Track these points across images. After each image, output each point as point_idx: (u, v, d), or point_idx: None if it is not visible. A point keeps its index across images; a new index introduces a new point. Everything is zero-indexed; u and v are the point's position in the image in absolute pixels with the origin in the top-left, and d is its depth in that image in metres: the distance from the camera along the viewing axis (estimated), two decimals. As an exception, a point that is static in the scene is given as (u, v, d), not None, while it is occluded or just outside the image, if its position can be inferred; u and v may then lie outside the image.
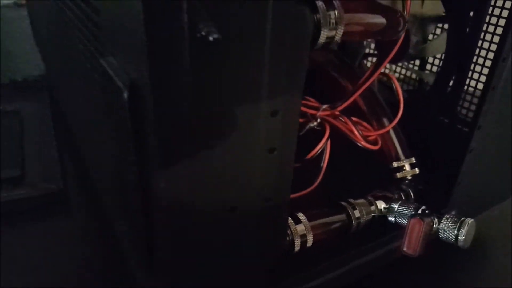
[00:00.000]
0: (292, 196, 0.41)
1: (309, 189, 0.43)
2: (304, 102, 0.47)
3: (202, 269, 0.26)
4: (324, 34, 0.24)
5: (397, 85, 0.43)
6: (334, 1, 0.24)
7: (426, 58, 0.57)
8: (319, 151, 0.45)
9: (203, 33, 0.18)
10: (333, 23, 0.24)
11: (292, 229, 0.33)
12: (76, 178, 0.56)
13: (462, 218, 0.35)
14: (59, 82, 0.63)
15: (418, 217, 0.35)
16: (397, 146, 0.45)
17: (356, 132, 0.43)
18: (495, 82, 0.36)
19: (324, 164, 0.44)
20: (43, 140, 0.61)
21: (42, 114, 0.67)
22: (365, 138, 0.44)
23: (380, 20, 0.29)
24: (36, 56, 0.86)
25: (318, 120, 0.46)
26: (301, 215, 0.35)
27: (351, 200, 0.39)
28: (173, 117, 0.20)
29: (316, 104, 0.47)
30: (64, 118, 0.65)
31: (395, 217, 0.39)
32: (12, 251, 0.47)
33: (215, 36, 0.18)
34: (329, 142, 0.45)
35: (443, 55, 0.53)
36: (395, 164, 0.45)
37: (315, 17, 0.23)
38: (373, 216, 0.39)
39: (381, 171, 0.47)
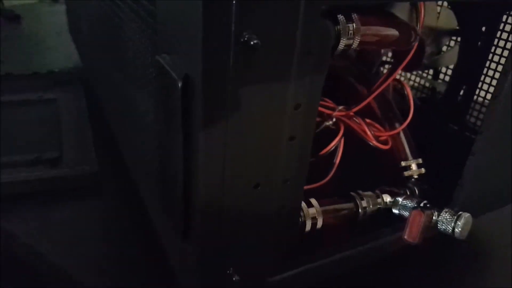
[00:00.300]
0: (307, 187, 0.46)
1: (322, 182, 0.48)
2: (321, 103, 0.51)
3: (228, 239, 0.31)
4: (343, 43, 0.28)
5: (408, 91, 0.47)
6: (353, 15, 0.29)
7: (439, 68, 0.60)
8: (332, 148, 0.49)
9: (246, 39, 0.22)
10: (351, 33, 0.28)
11: (304, 212, 0.37)
12: (110, 161, 0.61)
13: (460, 213, 0.39)
14: (95, 73, 0.69)
15: (419, 209, 0.39)
16: (406, 147, 0.49)
17: (368, 132, 0.48)
18: (497, 92, 0.39)
19: (337, 160, 0.48)
20: (79, 126, 0.66)
21: (77, 102, 0.72)
22: (377, 138, 0.48)
23: (393, 32, 0.33)
24: (72, 49, 0.92)
25: (334, 120, 0.50)
26: (313, 200, 0.39)
27: (360, 192, 0.43)
28: (216, 105, 0.25)
29: (332, 105, 0.51)
30: (98, 106, 0.70)
31: (399, 210, 0.43)
32: (48, 226, 0.52)
33: (255, 41, 0.22)
34: (342, 140, 0.49)
35: (454, 66, 0.57)
36: (403, 163, 0.49)
37: (336, 28, 0.28)
38: (379, 207, 0.43)
39: (390, 170, 0.51)
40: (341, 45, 0.28)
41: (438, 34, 0.55)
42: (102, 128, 0.66)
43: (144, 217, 0.48)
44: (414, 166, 0.48)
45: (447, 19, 0.53)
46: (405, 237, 0.40)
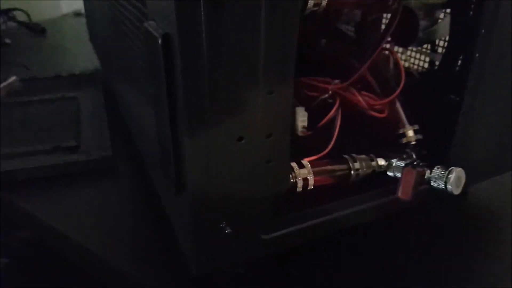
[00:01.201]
0: (307, 159, 0.48)
1: (322, 154, 0.49)
2: (317, 78, 0.53)
3: (218, 193, 0.33)
4: (311, 1, 0.30)
5: (397, 58, 0.49)
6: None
7: (436, 41, 0.61)
8: (330, 120, 0.51)
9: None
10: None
11: (296, 172, 0.39)
12: (124, 148, 0.65)
13: (451, 168, 0.40)
14: (111, 73, 0.74)
15: (411, 167, 0.40)
16: (402, 114, 0.50)
17: (362, 102, 0.49)
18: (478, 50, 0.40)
19: (336, 131, 0.50)
20: (96, 119, 0.71)
21: (96, 99, 0.77)
22: (372, 107, 0.50)
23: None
24: (92, 55, 0.98)
25: (330, 93, 0.52)
26: (305, 161, 0.41)
27: (354, 155, 0.44)
28: (193, 58, 0.27)
29: (328, 80, 0.53)
30: (114, 102, 0.75)
31: (393, 172, 0.44)
32: (68, 207, 0.56)
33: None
34: (340, 112, 0.51)
35: (449, 38, 0.57)
36: (400, 131, 0.50)
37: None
38: (373, 170, 0.44)
39: (389, 138, 0.52)
40: (310, 3, 0.30)
41: (430, 7, 0.56)
42: (118, 121, 0.71)
43: (155, 197, 0.51)
44: (411, 133, 0.49)
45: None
46: (399, 194, 0.41)
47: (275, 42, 0.29)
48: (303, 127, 0.52)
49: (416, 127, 0.50)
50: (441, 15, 0.57)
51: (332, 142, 0.50)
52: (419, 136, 0.49)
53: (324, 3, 0.31)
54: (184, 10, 0.26)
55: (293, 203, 0.40)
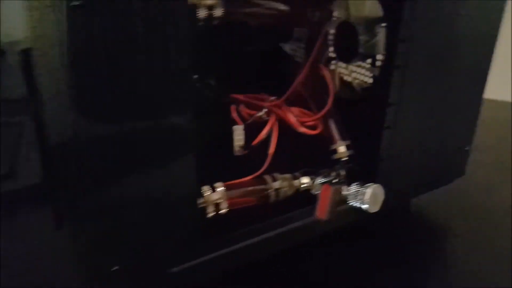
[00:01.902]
0: (240, 180, 0.47)
1: (257, 173, 0.48)
2: (254, 95, 0.53)
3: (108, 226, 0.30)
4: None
5: (326, 74, 0.48)
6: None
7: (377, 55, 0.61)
8: (264, 138, 0.50)
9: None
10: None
11: (205, 196, 0.38)
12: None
13: (368, 184, 0.39)
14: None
15: (327, 184, 0.39)
16: (334, 130, 0.50)
17: (291, 119, 0.48)
18: (398, 61, 0.40)
19: (271, 150, 0.49)
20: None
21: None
22: (302, 124, 0.49)
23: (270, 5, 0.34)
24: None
25: (265, 110, 0.51)
26: (218, 184, 0.40)
27: (275, 174, 0.44)
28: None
29: (265, 97, 0.53)
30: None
31: (317, 190, 0.43)
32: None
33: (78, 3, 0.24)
34: (276, 130, 0.50)
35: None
36: (332, 147, 0.49)
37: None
38: (297, 189, 0.43)
39: (323, 154, 0.51)
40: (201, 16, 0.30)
41: (369, 23, 0.56)
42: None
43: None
44: (342, 148, 0.49)
45: (374, 6, 0.54)
46: (316, 214, 0.40)
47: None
48: (240, 146, 0.52)
49: (348, 142, 0.49)
50: (380, 30, 0.57)
51: (267, 162, 0.49)
52: (351, 152, 0.48)
53: (219, 13, 0.31)
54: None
55: (207, 229, 0.37)
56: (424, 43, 0.41)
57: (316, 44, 0.47)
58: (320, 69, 0.49)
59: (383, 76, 0.47)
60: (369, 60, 0.64)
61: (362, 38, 0.56)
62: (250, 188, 0.41)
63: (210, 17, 0.31)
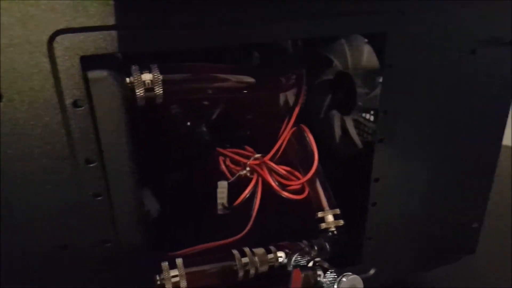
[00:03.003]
0: (221, 242, 0.43)
1: (237, 237, 0.45)
2: (237, 150, 0.49)
3: None
4: (140, 93, 0.27)
5: (309, 136, 0.44)
6: (151, 65, 0.28)
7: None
8: (245, 198, 0.46)
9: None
10: (148, 83, 0.27)
11: (164, 274, 0.34)
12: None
13: (344, 273, 0.34)
14: None
15: (299, 269, 0.35)
16: (321, 195, 0.45)
17: (272, 182, 0.44)
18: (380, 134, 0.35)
19: (254, 212, 0.46)
20: None
21: None
22: (284, 187, 0.45)
23: (223, 78, 0.31)
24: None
25: (247, 169, 0.48)
26: (179, 260, 0.36)
27: (246, 249, 0.39)
28: None
29: (249, 154, 0.49)
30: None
31: (292, 268, 0.38)
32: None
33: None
34: (259, 190, 0.47)
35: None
36: (319, 214, 0.45)
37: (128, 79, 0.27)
38: (271, 265, 0.39)
39: (309, 221, 0.46)
40: (139, 98, 0.27)
41: (367, 74, 0.51)
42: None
43: None
44: (330, 218, 0.44)
45: (371, 56, 0.50)
46: (286, 299, 0.35)
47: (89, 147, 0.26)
48: (222, 204, 0.48)
49: (337, 211, 0.44)
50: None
51: (250, 225, 0.45)
52: (340, 222, 0.44)
53: (159, 97, 0.28)
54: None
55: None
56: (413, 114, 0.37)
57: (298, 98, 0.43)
58: (303, 130, 0.45)
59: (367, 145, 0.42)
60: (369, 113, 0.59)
61: (361, 90, 0.52)
62: (215, 264, 0.37)
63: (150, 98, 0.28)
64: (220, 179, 0.49)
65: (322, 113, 0.57)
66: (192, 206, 0.52)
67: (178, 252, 0.41)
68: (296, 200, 0.46)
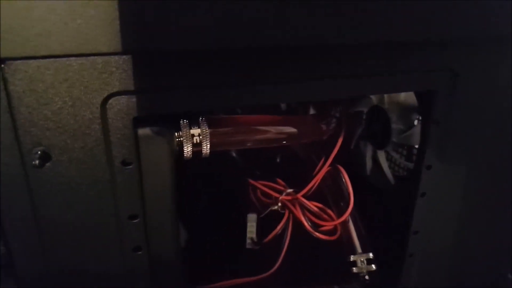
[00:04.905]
0: (249, 279, 0.43)
1: (265, 274, 0.44)
2: (270, 184, 0.49)
3: None
4: (188, 149, 0.27)
5: (345, 178, 0.43)
6: (200, 118, 0.27)
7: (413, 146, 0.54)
8: (277, 235, 0.46)
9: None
10: (196, 140, 0.27)
11: None
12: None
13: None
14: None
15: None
16: (354, 237, 0.44)
17: (304, 222, 0.43)
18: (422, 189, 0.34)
19: (284, 249, 0.45)
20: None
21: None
22: (317, 227, 0.44)
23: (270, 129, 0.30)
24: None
25: (279, 204, 0.47)
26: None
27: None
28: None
29: (281, 188, 0.48)
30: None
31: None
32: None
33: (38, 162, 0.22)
34: (290, 226, 0.46)
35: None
36: (351, 257, 0.43)
37: (176, 134, 0.26)
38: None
39: (341, 262, 0.45)
40: (187, 153, 0.27)
41: (404, 110, 0.50)
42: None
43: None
44: (363, 262, 0.43)
45: (409, 93, 0.48)
46: None
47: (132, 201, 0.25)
48: (251, 239, 0.48)
49: (370, 255, 0.43)
50: (416, 122, 0.51)
51: (279, 263, 0.44)
52: (372, 267, 0.42)
53: (205, 151, 0.27)
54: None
55: None
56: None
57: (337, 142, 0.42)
58: (339, 170, 0.44)
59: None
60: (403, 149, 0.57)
61: (396, 127, 0.50)
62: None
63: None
64: (249, 211, 0.49)
65: (353, 142, 0.56)
66: (220, 237, 0.52)
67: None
68: (327, 240, 0.45)
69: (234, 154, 0.54)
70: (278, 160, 0.57)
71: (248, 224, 0.48)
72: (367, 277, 0.42)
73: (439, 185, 0.34)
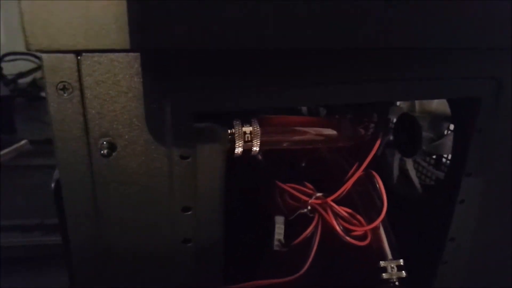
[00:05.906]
0: (276, 281, 0.43)
1: (293, 276, 0.44)
2: (299, 187, 0.49)
3: None
4: (239, 146, 0.27)
5: (380, 184, 0.43)
6: (252, 119, 0.28)
7: (443, 155, 0.54)
8: (306, 238, 0.46)
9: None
10: (248, 137, 0.27)
11: None
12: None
13: None
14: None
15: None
16: (385, 243, 0.44)
17: (336, 227, 0.44)
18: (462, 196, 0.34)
19: (312, 252, 0.45)
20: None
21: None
22: (348, 232, 0.44)
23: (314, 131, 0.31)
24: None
25: (309, 207, 0.47)
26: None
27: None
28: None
29: (310, 191, 0.48)
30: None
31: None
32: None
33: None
34: (319, 230, 0.46)
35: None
36: (381, 264, 0.44)
37: (229, 131, 0.27)
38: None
39: (369, 268, 0.45)
40: (238, 149, 0.27)
41: (435, 119, 0.50)
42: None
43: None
44: (393, 268, 0.43)
45: (441, 101, 0.49)
46: None
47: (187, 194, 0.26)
48: (279, 240, 0.48)
49: (401, 262, 0.43)
50: (446, 131, 0.51)
51: (307, 265, 0.45)
52: (402, 274, 0.42)
53: (255, 148, 0.28)
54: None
55: None
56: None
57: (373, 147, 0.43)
58: (373, 176, 0.44)
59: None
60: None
61: (426, 135, 0.51)
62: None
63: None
64: (275, 213, 0.49)
65: (380, 150, 0.56)
66: (247, 238, 0.52)
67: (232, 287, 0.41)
68: (357, 246, 0.45)
69: (260, 157, 0.55)
70: (303, 164, 0.57)
71: (276, 225, 0.48)
72: (397, 283, 0.42)
73: (478, 192, 0.35)
